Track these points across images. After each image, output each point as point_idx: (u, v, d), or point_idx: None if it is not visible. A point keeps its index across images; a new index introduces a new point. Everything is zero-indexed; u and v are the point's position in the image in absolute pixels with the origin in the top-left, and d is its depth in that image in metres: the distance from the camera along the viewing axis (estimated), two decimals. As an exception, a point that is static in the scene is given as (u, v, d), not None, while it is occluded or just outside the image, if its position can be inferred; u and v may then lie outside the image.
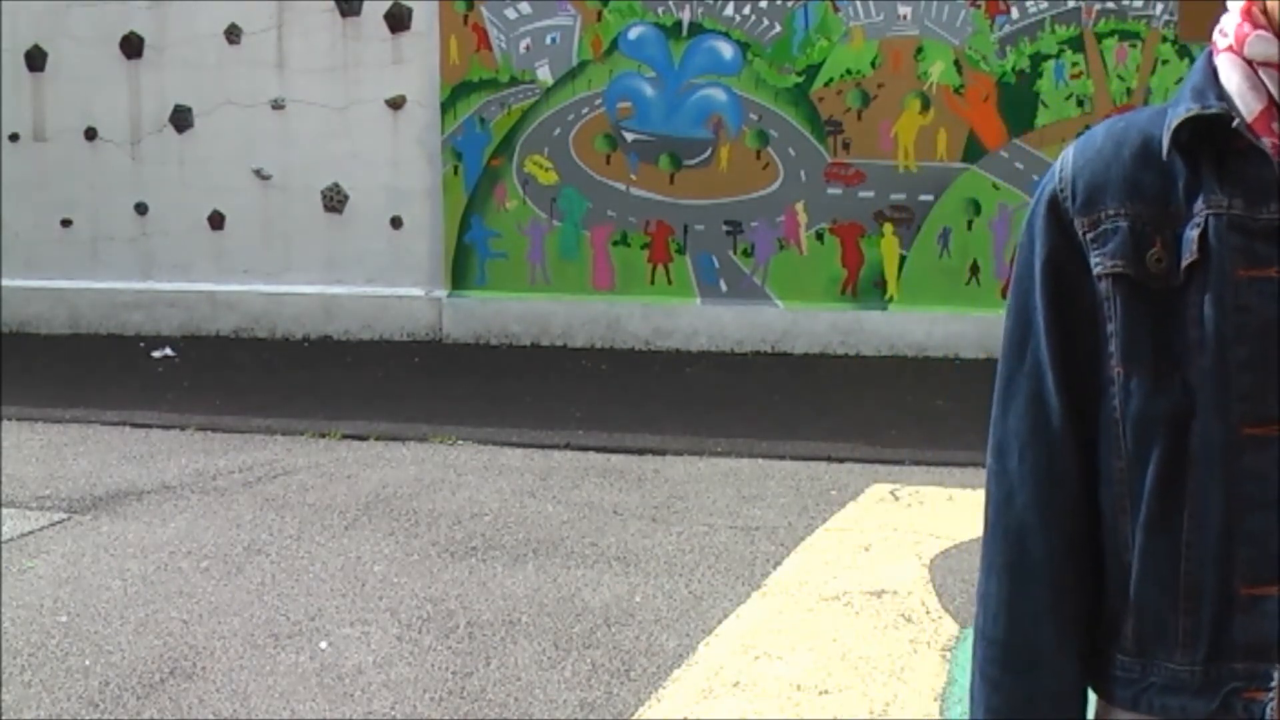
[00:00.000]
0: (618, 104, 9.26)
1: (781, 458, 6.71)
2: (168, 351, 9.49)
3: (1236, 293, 1.30)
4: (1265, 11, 1.33)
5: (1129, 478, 1.37)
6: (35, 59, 10.18)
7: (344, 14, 9.63)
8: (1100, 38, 8.64)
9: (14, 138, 10.27)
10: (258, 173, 9.87)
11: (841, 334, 9.01)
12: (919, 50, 8.84)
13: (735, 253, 9.20)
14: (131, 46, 10.00)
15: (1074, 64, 8.68)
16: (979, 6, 8.75)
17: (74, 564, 5.34)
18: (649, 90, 9.22)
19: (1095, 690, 1.45)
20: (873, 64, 8.91)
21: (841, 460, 6.61)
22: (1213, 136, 1.33)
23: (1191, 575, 1.33)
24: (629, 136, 9.27)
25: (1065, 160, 1.43)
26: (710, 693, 4.15)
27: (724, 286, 9.23)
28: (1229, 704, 1.32)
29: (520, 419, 7.47)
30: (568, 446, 6.98)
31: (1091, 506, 1.41)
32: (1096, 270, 1.37)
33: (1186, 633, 1.34)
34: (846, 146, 8.99)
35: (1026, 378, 1.43)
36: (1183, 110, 1.35)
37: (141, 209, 10.12)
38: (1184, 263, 1.32)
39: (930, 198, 8.89)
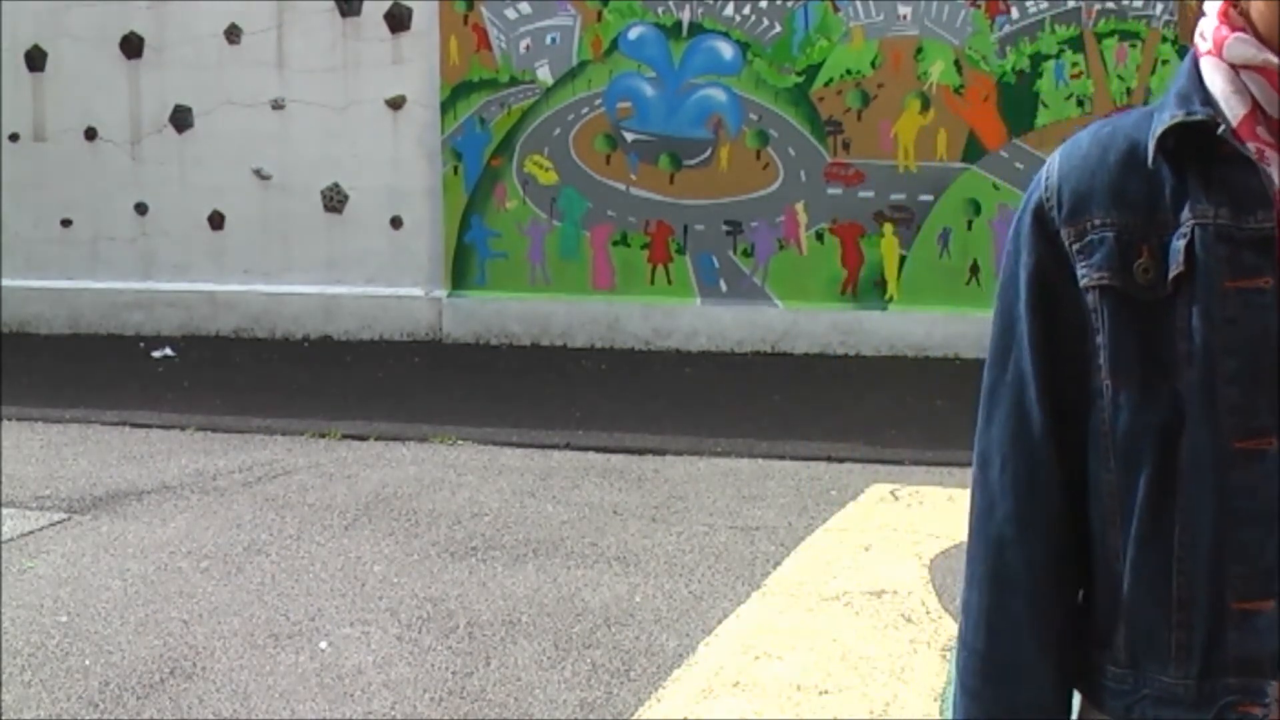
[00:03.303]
0: (618, 104, 9.26)
1: (781, 458, 6.71)
2: (168, 351, 9.49)
3: (1224, 305, 1.27)
4: (1243, 13, 1.31)
5: (1118, 490, 1.35)
6: (35, 59, 10.18)
7: (344, 14, 9.63)
8: (1100, 38, 8.64)
9: (14, 138, 10.27)
10: (258, 173, 9.87)
11: (841, 334, 9.00)
12: (919, 50, 8.84)
13: (735, 253, 9.20)
14: (131, 46, 10.00)
15: (1074, 64, 8.68)
16: (979, 6, 8.75)
17: (74, 564, 5.34)
18: (649, 90, 9.22)
19: (1087, 698, 1.43)
20: (873, 64, 8.91)
21: (841, 460, 6.61)
22: (1199, 143, 1.31)
23: (1184, 590, 1.32)
24: (629, 136, 9.27)
25: (1051, 167, 1.40)
26: (710, 693, 4.14)
27: (724, 286, 9.23)
28: (1223, 718, 1.31)
29: (520, 419, 7.47)
30: (568, 446, 6.98)
31: (1075, 517, 1.39)
32: (1083, 282, 1.35)
33: (1180, 646, 1.33)
34: (846, 146, 8.99)
35: (1009, 388, 1.42)
36: (1167, 116, 1.33)
37: (141, 209, 10.12)
38: (1171, 274, 1.30)
39: (930, 198, 8.89)
